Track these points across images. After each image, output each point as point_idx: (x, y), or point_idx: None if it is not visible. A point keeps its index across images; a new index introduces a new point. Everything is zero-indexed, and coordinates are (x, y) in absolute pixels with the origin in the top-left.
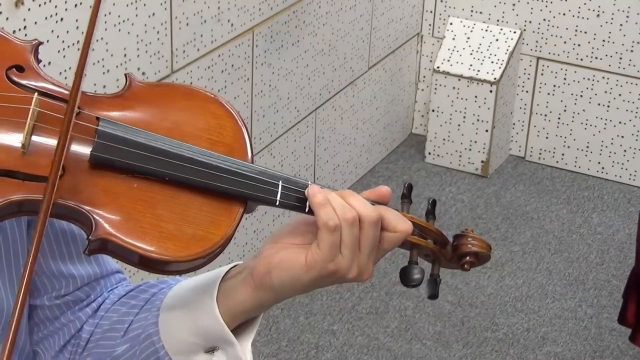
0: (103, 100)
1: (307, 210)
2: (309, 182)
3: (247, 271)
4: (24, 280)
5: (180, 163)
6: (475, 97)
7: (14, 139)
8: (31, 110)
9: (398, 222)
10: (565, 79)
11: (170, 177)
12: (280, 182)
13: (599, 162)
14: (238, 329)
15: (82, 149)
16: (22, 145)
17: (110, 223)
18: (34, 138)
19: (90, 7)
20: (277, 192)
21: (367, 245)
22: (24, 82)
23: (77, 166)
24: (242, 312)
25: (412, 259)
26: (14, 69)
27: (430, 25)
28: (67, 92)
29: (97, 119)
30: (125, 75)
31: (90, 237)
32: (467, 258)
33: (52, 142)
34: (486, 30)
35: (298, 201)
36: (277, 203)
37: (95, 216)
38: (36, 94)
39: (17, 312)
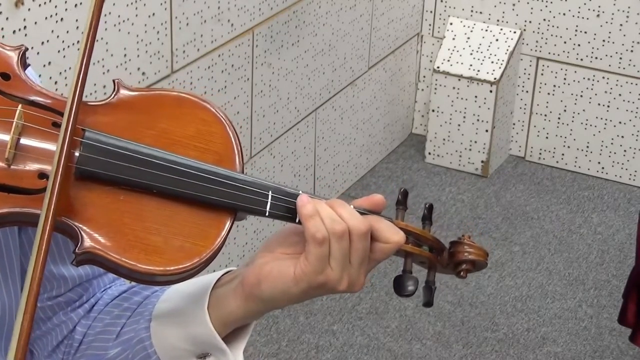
0: (90, 108)
1: (297, 220)
2: (300, 192)
3: (239, 280)
4: (31, 293)
5: (168, 175)
6: (475, 97)
7: None
8: (14, 123)
9: (390, 232)
10: (565, 79)
11: (158, 189)
12: (270, 192)
13: (599, 162)
14: (230, 335)
15: (68, 161)
16: (6, 159)
17: (96, 237)
18: (19, 150)
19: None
20: (267, 202)
21: (357, 257)
22: (8, 91)
23: (63, 179)
24: (233, 321)
25: (406, 267)
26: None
27: (430, 25)
28: (53, 100)
29: (83, 130)
30: (113, 81)
31: (77, 251)
32: (464, 266)
33: (37, 154)
34: (486, 30)
35: (288, 211)
36: (267, 214)
37: (81, 230)
38: (20, 105)
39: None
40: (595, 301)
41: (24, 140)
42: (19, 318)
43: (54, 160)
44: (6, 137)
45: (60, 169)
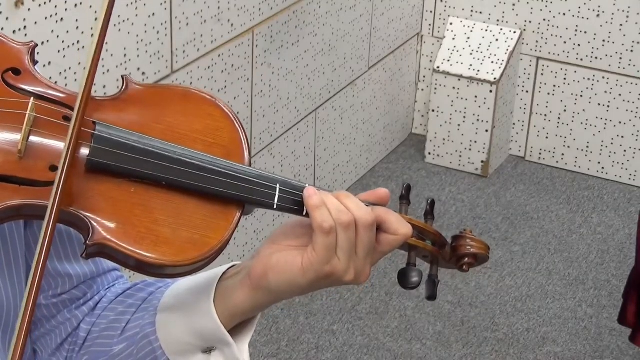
0: (99, 103)
1: (304, 213)
2: (306, 185)
3: (245, 272)
4: (32, 292)
5: (177, 167)
6: (475, 97)
7: (10, 145)
8: (27, 115)
9: (398, 225)
10: (565, 79)
11: (167, 182)
12: (278, 185)
13: (599, 162)
14: (236, 329)
15: (79, 154)
16: (19, 151)
17: (107, 228)
18: (30, 143)
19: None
20: (275, 195)
21: (363, 248)
22: (20, 85)
23: (74, 171)
24: (240, 313)
25: (411, 260)
26: (10, 72)
27: (430, 25)
28: (63, 95)
29: (94, 123)
30: (122, 77)
31: (87, 242)
32: (466, 259)
33: (48, 147)
34: (486, 30)
35: (295, 204)
36: (275, 206)
37: (92, 222)
38: (32, 98)
39: (26, 321)
40: (595, 301)
41: (35, 133)
42: (25, 297)
43: (63, 151)
44: (19, 130)
45: (68, 158)
